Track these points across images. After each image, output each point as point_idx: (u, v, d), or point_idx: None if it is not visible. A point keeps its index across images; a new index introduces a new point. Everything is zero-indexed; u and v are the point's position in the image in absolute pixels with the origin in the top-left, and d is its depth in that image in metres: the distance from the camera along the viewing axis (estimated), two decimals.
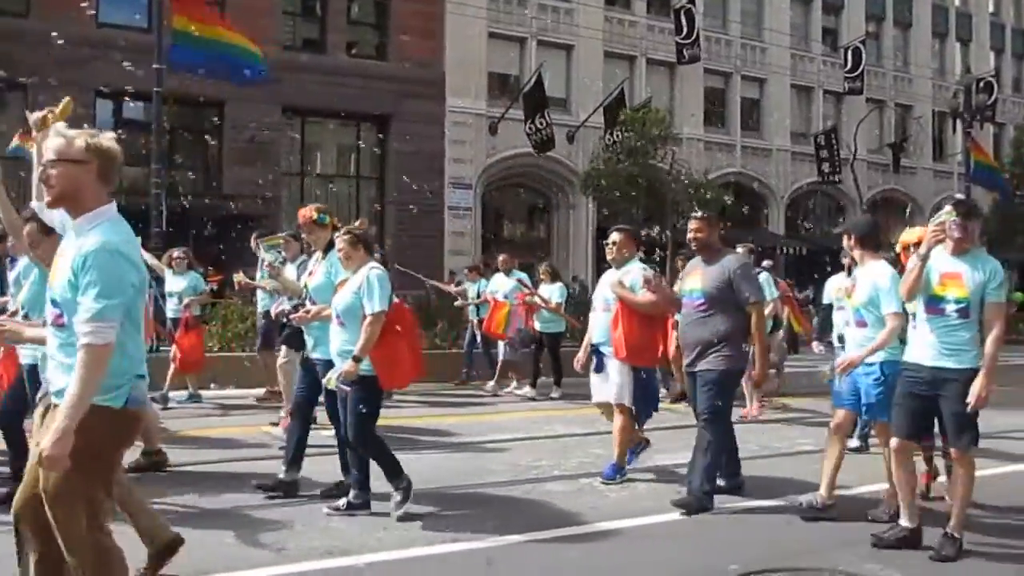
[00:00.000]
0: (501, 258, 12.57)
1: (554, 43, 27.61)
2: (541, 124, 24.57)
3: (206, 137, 23.21)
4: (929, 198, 36.13)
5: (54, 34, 15.75)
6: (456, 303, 13.76)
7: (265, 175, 22.20)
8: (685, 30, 27.21)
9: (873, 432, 7.50)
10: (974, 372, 4.66)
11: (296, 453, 5.84)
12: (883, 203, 34.96)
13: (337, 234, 5.61)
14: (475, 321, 12.61)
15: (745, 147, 31.47)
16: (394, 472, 5.41)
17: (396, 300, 5.49)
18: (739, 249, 9.16)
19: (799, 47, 32.86)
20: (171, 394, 10.08)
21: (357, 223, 5.93)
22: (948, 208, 4.69)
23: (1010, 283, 6.01)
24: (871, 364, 5.31)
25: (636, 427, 6.63)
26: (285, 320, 6.86)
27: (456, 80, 25.27)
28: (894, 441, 4.94)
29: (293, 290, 6.73)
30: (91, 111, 21.22)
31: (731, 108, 31.47)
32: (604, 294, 6.56)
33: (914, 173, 35.38)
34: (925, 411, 4.84)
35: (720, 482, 5.98)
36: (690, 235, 6.03)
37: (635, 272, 6.34)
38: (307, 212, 6.07)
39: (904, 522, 4.95)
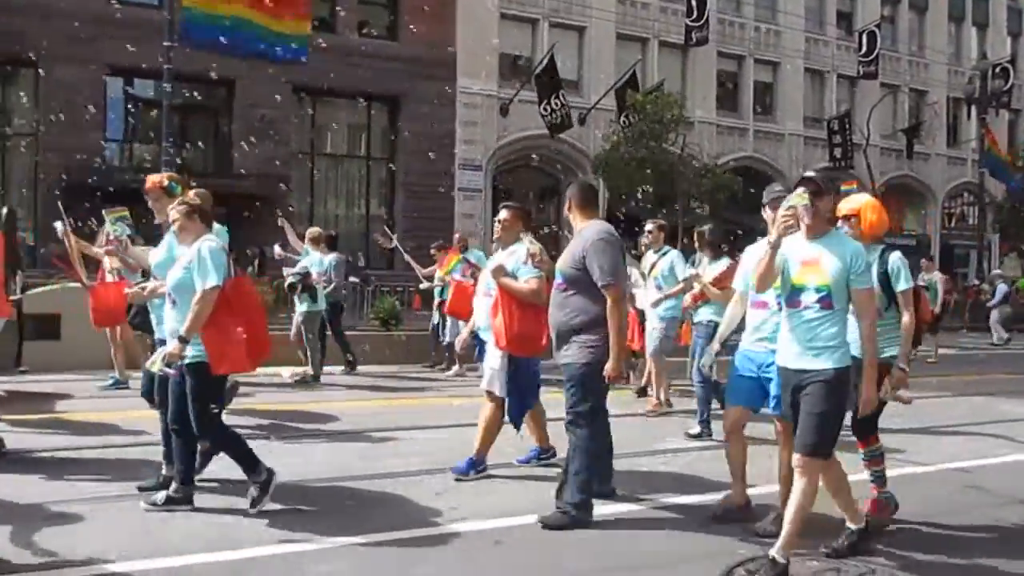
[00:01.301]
0: (456, 237, 12.27)
1: (566, 24, 27.43)
2: (556, 105, 24.44)
3: (216, 116, 23.20)
4: (942, 184, 35.92)
5: (66, 14, 15.69)
6: (421, 285, 13.52)
7: (275, 154, 22.19)
8: (696, 12, 26.99)
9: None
10: (841, 373, 4.11)
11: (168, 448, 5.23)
12: (896, 189, 34.75)
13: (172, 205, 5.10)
14: (437, 302, 12.26)
15: (757, 131, 31.27)
16: (250, 465, 4.92)
17: (237, 275, 5.01)
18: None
19: (813, 30, 32.55)
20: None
21: (192, 193, 5.37)
22: (800, 190, 4.09)
23: (904, 268, 5.18)
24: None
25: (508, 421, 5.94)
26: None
27: (467, 61, 25.14)
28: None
29: (145, 266, 6.12)
30: (102, 88, 21.24)
31: (744, 92, 31.26)
32: (487, 278, 6.11)
33: (927, 159, 35.10)
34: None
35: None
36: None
37: (521, 253, 5.75)
38: (157, 178, 5.63)
39: (851, 525, 4.57)
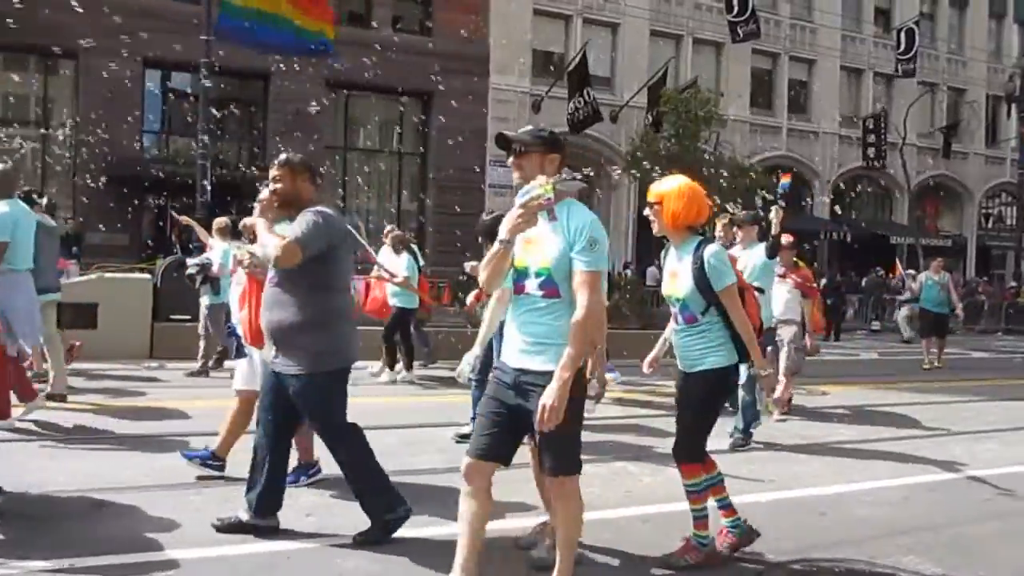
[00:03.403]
0: (395, 234, 10.99)
1: (600, 21, 27.38)
2: (579, 103, 24.38)
3: (251, 109, 23.42)
4: (980, 184, 35.37)
5: (106, 8, 15.88)
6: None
7: (308, 148, 22.35)
8: (737, 8, 26.66)
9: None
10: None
11: None
12: (933, 188, 34.30)
13: None
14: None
15: (791, 130, 30.99)
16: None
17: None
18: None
19: (850, 28, 32.18)
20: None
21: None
22: (541, 179, 3.31)
23: (722, 263, 4.67)
24: None
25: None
26: None
27: (500, 57, 25.17)
28: (465, 461, 3.48)
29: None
30: (140, 81, 21.54)
31: (778, 90, 31.00)
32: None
33: (965, 158, 34.60)
34: (512, 426, 3.48)
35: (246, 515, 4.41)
36: (270, 187, 4.46)
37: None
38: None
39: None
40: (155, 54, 20.36)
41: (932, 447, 7.69)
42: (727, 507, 4.41)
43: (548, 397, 3.23)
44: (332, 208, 4.43)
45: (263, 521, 4.38)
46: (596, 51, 25.68)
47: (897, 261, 26.22)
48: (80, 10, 16.16)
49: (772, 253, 7.29)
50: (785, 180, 10.59)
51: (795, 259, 8.84)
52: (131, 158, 21.08)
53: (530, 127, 3.66)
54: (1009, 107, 34.04)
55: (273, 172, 4.47)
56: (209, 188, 14.69)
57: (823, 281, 22.05)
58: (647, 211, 4.26)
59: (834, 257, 30.16)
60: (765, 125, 30.39)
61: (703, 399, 4.24)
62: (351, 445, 4.39)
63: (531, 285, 3.41)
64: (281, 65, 20.40)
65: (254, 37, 15.19)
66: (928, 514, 5.44)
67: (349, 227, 4.64)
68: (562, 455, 3.41)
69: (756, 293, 4.79)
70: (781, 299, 8.51)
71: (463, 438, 6.14)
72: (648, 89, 25.37)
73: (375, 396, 9.10)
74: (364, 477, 4.40)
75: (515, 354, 3.46)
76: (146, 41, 19.96)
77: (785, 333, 8.51)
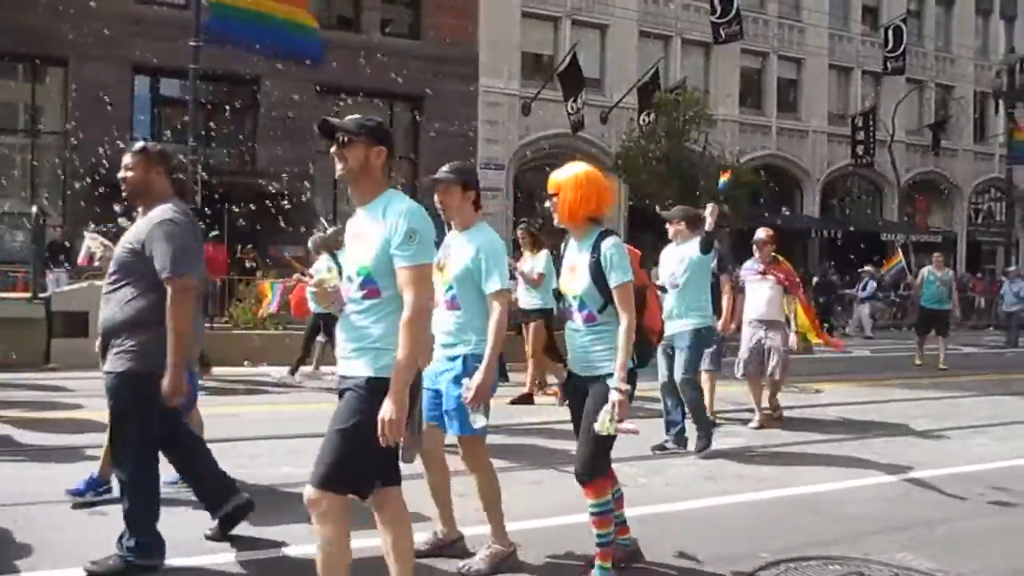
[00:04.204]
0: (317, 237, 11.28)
1: (588, 22, 27.40)
2: (579, 105, 24.41)
3: (242, 114, 23.37)
4: (969, 180, 35.52)
5: (95, 13, 15.82)
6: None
7: (299, 153, 22.33)
8: (720, 9, 26.79)
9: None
10: (377, 383, 3.04)
11: None
12: (922, 185, 34.44)
13: None
14: None
15: (781, 128, 31.07)
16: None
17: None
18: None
19: (838, 26, 32.29)
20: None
21: None
22: (325, 267, 3.34)
23: (620, 257, 3.81)
24: (453, 357, 4.07)
25: None
26: None
27: (490, 60, 25.17)
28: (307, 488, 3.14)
29: None
30: (129, 87, 21.48)
31: (767, 89, 31.06)
32: None
33: (954, 155, 34.73)
34: None
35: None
36: (121, 174, 4.22)
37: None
38: None
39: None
40: (144, 60, 20.30)
41: (925, 443, 7.73)
42: (622, 524, 4.25)
43: (384, 411, 2.96)
44: (176, 204, 4.12)
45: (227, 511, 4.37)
46: (585, 52, 25.70)
47: (900, 251, 25.65)
48: (69, 16, 16.15)
49: (706, 248, 6.92)
50: (724, 179, 10.60)
51: (775, 254, 8.42)
52: (120, 164, 20.99)
53: (357, 116, 3.30)
54: (997, 103, 34.20)
55: (126, 160, 4.17)
56: (199, 194, 14.64)
57: (815, 279, 22.17)
58: (547, 203, 3.99)
59: (825, 255, 30.22)
60: (755, 124, 30.46)
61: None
62: (142, 467, 4.02)
63: (353, 286, 3.19)
64: (271, 70, 20.35)
65: (245, 37, 15.16)
66: (922, 510, 5.47)
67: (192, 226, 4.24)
68: (332, 464, 3.07)
69: (659, 293, 4.54)
70: (763, 298, 8.19)
71: None
72: (638, 90, 25.42)
73: (298, 403, 9.18)
74: (140, 504, 4.00)
75: (340, 360, 3.23)
76: (135, 47, 19.90)
77: (772, 337, 8.14)
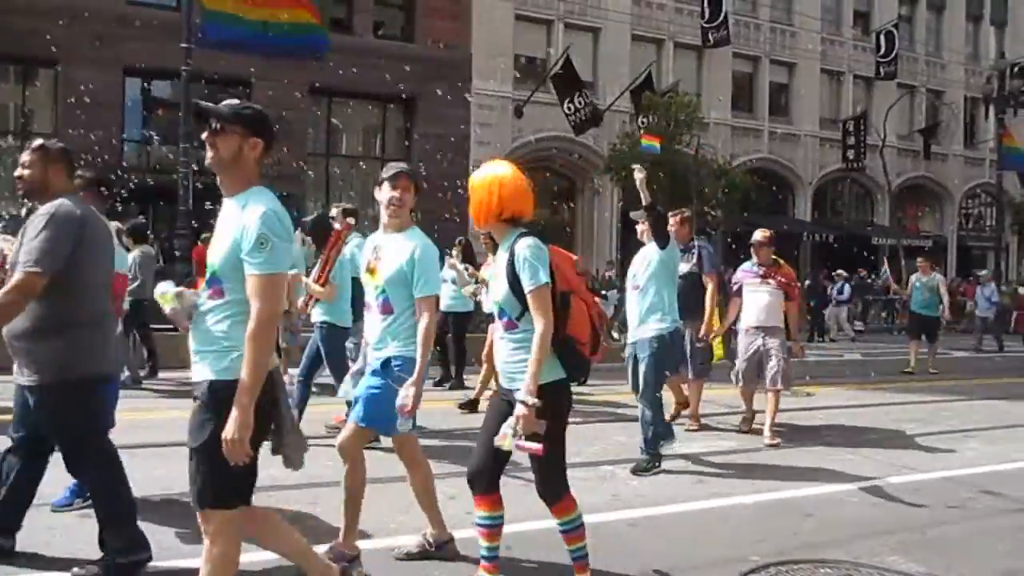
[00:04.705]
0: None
1: (581, 26, 27.44)
2: (579, 104, 24.34)
3: None
4: (960, 185, 35.68)
5: (86, 15, 15.77)
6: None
7: (291, 155, 22.29)
8: (708, 13, 26.90)
9: None
10: (221, 387, 2.92)
11: None
12: (912, 189, 34.59)
13: None
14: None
15: (772, 132, 31.17)
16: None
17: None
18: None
19: (830, 31, 32.42)
20: None
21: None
22: (168, 291, 3.11)
23: (535, 260, 3.41)
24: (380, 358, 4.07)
25: None
26: None
27: (482, 63, 25.18)
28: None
29: None
30: (120, 89, 21.42)
31: (759, 93, 31.16)
32: None
33: (945, 160, 34.88)
34: None
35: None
36: (16, 172, 3.97)
37: None
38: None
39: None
40: (135, 62, 20.24)
41: (916, 447, 7.75)
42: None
43: (226, 431, 2.81)
44: (72, 199, 3.88)
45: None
46: (578, 55, 25.71)
47: (885, 260, 26.18)
48: (60, 18, 16.10)
49: (662, 241, 6.43)
50: (649, 141, 9.82)
51: (775, 257, 8.07)
52: (112, 166, 20.93)
53: (235, 101, 3.11)
54: (987, 108, 34.34)
55: (24, 156, 3.97)
56: (191, 196, 14.61)
57: (807, 282, 22.21)
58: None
59: (816, 259, 30.30)
60: (747, 128, 30.55)
61: (547, 423, 3.43)
62: (101, 469, 3.89)
63: (204, 286, 3.01)
64: (264, 72, 20.32)
65: (244, 44, 15.15)
66: (913, 514, 5.48)
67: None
68: (204, 484, 2.96)
69: (598, 300, 4.17)
70: (761, 303, 7.82)
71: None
72: (630, 93, 25.46)
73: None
74: (110, 505, 3.87)
75: (192, 365, 3.06)
76: (126, 49, 19.85)
77: (772, 343, 7.77)
